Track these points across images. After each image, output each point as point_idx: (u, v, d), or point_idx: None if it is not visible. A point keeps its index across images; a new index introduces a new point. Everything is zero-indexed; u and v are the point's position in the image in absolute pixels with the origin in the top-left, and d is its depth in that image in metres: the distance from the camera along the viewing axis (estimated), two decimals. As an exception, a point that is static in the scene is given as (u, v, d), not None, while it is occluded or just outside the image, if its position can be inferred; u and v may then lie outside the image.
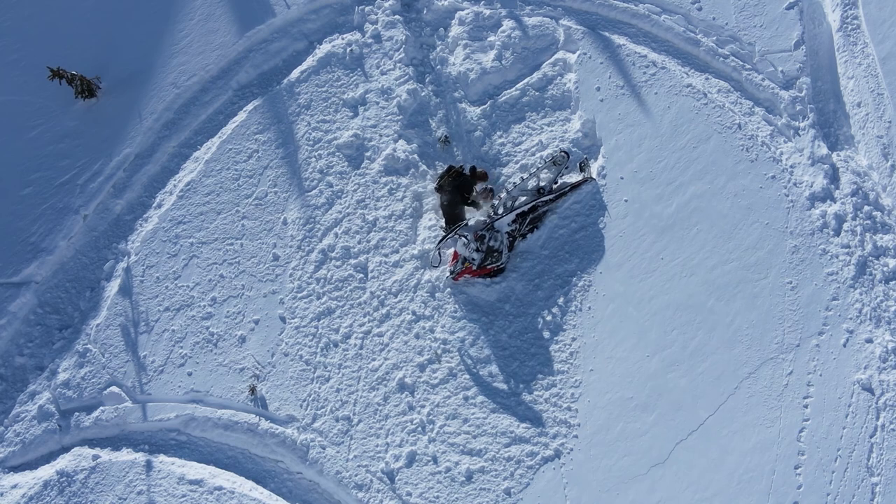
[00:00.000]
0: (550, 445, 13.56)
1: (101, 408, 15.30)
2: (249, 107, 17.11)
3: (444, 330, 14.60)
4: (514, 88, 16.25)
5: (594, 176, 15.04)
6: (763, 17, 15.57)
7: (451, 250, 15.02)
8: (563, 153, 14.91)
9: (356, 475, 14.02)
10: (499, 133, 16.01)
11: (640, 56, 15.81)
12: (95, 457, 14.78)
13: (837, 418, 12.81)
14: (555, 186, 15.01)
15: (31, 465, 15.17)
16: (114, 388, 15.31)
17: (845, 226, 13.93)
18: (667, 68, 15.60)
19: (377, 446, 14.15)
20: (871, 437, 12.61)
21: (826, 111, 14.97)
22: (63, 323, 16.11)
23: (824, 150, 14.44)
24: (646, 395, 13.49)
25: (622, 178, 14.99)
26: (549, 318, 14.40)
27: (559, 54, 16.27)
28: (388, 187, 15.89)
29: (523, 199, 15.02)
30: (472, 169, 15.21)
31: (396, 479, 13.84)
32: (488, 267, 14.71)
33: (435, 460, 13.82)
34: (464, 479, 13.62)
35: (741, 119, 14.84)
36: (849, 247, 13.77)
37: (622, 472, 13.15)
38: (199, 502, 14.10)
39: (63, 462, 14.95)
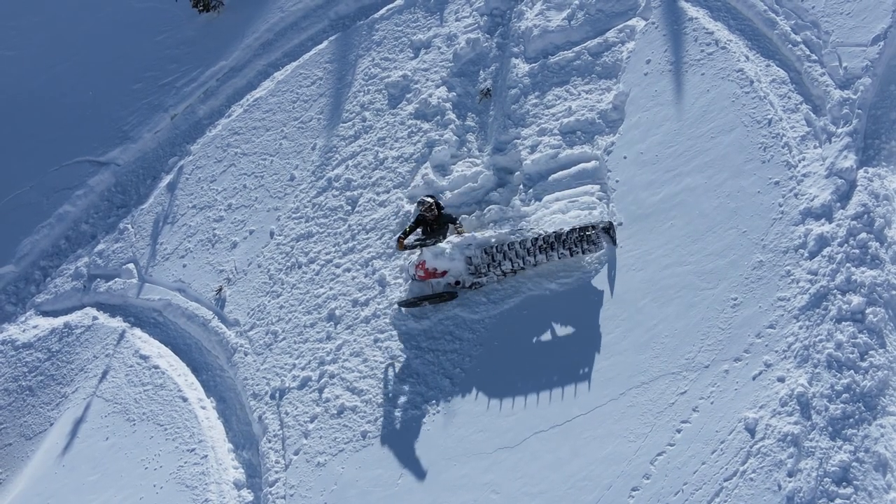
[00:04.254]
0: (420, 405, 14.42)
1: (117, 279, 18.90)
2: (334, 37, 19.66)
3: (391, 273, 16.06)
4: (570, 51, 16.99)
5: (615, 243, 14.36)
6: (856, 3, 14.76)
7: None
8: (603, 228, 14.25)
9: (257, 385, 15.90)
10: (536, 93, 16.85)
11: (706, 32, 15.56)
12: (94, 318, 18.29)
13: (702, 452, 12.19)
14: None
15: (55, 314, 19.21)
16: (130, 265, 18.79)
17: (826, 250, 12.99)
18: (727, 49, 15.30)
19: (286, 365, 15.84)
20: (727, 479, 11.86)
21: (886, 120, 13.77)
22: (123, 202, 20.05)
23: (849, 163, 13.35)
24: (531, 379, 13.94)
25: (625, 158, 15.18)
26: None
27: (632, 21, 16.69)
28: (409, 130, 17.49)
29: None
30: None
31: (284, 398, 15.51)
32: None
33: (321, 390, 15.38)
34: (335, 412, 14.99)
35: (778, 115, 14.16)
36: (815, 274, 12.91)
37: (470, 445, 13.54)
38: (138, 374, 17.00)
39: (73, 316, 18.74)
